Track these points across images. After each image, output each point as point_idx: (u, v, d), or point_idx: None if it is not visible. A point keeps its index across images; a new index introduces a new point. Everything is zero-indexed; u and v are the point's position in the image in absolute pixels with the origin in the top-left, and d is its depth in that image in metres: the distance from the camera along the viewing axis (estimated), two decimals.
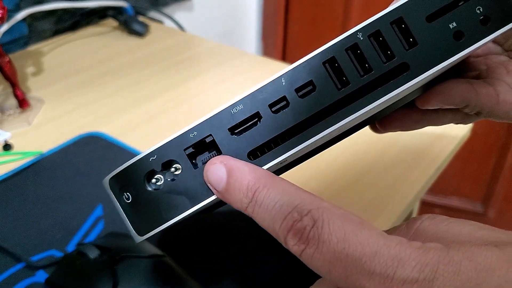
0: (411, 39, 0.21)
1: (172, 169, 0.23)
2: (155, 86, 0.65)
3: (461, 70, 0.30)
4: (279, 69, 0.73)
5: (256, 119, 0.22)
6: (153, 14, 0.90)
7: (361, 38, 0.21)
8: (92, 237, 0.41)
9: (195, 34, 0.83)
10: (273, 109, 0.22)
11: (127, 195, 0.23)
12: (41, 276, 0.38)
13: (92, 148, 0.52)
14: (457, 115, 0.30)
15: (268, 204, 0.20)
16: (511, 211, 1.26)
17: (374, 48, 0.21)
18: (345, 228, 0.18)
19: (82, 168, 0.49)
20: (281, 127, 0.22)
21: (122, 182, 0.23)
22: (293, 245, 0.19)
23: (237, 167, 0.21)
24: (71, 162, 0.50)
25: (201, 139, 0.22)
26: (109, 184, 0.24)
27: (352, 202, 0.46)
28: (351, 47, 0.22)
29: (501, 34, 0.21)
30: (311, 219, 0.19)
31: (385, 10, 0.22)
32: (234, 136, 0.22)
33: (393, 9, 0.21)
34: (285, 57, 1.29)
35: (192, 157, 0.23)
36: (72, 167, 0.49)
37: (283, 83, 0.22)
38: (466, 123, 0.31)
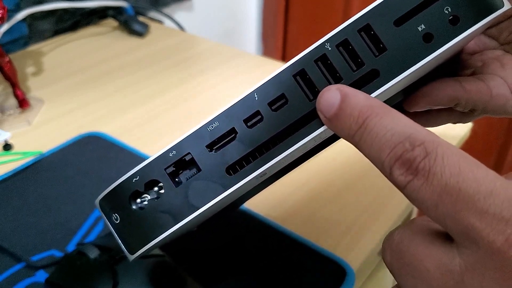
0: (380, 45, 0.21)
1: (156, 188, 0.23)
2: (155, 86, 0.65)
3: (456, 69, 0.30)
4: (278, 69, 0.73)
5: (233, 134, 0.22)
6: (153, 14, 0.90)
7: (329, 48, 0.22)
8: (92, 237, 0.41)
9: (195, 34, 0.83)
10: (248, 124, 0.22)
11: (116, 216, 0.24)
12: (41, 276, 0.38)
13: (92, 148, 0.52)
14: (452, 114, 0.30)
15: (379, 131, 0.19)
16: None
17: (343, 57, 0.22)
18: (460, 163, 0.17)
19: (82, 168, 0.49)
20: (257, 141, 0.22)
21: (110, 204, 0.24)
22: (398, 175, 0.18)
23: (352, 93, 0.20)
24: (71, 162, 0.50)
25: (180, 158, 0.23)
26: (100, 205, 0.24)
27: (352, 202, 0.46)
28: (320, 58, 0.22)
29: (472, 33, 0.21)
30: (424, 150, 0.18)
31: (352, 18, 0.22)
32: (212, 152, 0.23)
33: (359, 17, 0.21)
34: (285, 57, 1.29)
35: (173, 175, 0.23)
36: (72, 167, 0.49)
37: (256, 98, 0.22)
38: (464, 122, 0.31)
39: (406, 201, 0.46)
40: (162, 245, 0.25)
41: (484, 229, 0.16)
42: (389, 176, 0.19)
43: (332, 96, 0.20)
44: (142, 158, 0.50)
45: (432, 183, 0.17)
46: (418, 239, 0.19)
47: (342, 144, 0.52)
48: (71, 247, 0.40)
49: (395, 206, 0.45)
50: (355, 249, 0.41)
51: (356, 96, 0.20)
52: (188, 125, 0.57)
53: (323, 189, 0.47)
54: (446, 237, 0.18)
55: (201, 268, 0.38)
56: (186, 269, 0.37)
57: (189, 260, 0.39)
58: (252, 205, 0.45)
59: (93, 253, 0.34)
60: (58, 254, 0.40)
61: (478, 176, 0.17)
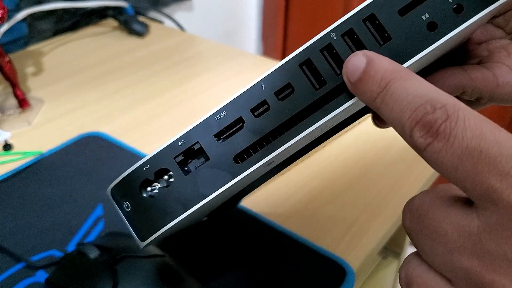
0: (385, 34, 0.22)
1: (166, 177, 0.24)
2: (155, 86, 0.65)
3: (462, 59, 0.30)
4: None
5: (240, 124, 0.23)
6: (153, 14, 0.90)
7: (335, 38, 0.22)
8: (92, 237, 0.41)
9: (195, 34, 0.83)
10: (255, 113, 0.23)
11: (127, 204, 0.24)
12: (41, 276, 0.38)
13: (92, 148, 0.52)
14: None
15: (400, 94, 0.19)
16: None
17: (348, 47, 0.22)
18: (482, 126, 0.17)
19: (82, 168, 0.49)
20: (264, 130, 0.23)
21: (121, 192, 0.24)
22: (418, 137, 0.18)
23: (377, 58, 0.20)
24: (71, 162, 0.50)
25: (189, 147, 0.23)
26: (111, 194, 0.25)
27: (352, 201, 0.46)
28: (326, 47, 0.22)
29: (476, 21, 0.21)
30: (445, 113, 0.18)
31: (357, 7, 0.22)
32: (220, 141, 0.23)
33: (364, 7, 0.22)
34: (285, 57, 1.29)
35: (182, 164, 0.24)
36: (72, 167, 0.49)
37: (263, 88, 0.23)
38: None
39: (406, 201, 0.46)
40: (172, 233, 0.26)
41: (505, 190, 0.16)
42: (409, 139, 0.19)
43: (358, 60, 0.21)
44: (142, 158, 0.50)
45: (453, 145, 0.17)
46: (437, 203, 0.19)
47: (342, 145, 0.53)
48: (71, 247, 0.40)
49: (395, 206, 0.45)
50: (355, 249, 0.41)
51: (381, 60, 0.20)
52: (188, 124, 0.57)
53: (323, 189, 0.47)
54: (465, 202, 0.18)
55: (201, 268, 0.38)
56: (186, 269, 0.37)
57: (189, 260, 0.39)
58: (252, 205, 0.45)
59: (93, 253, 0.34)
60: (58, 254, 0.40)
61: (500, 138, 0.17)
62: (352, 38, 0.22)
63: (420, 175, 0.49)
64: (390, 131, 0.33)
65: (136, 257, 0.34)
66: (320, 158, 0.51)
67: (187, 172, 0.23)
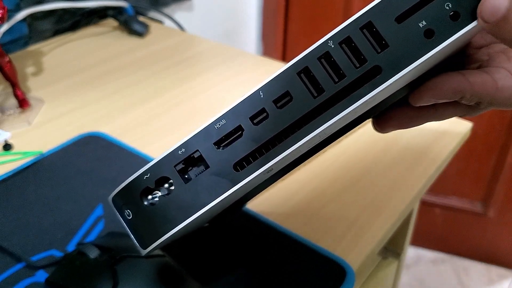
0: (382, 42, 0.22)
1: (166, 185, 0.24)
2: (155, 86, 0.65)
3: (462, 64, 0.30)
4: (278, 69, 0.73)
5: (240, 132, 0.23)
6: (153, 14, 0.90)
7: (332, 46, 0.22)
8: (92, 237, 0.41)
9: (195, 34, 0.83)
10: (254, 121, 0.23)
11: (128, 212, 0.25)
12: (41, 276, 0.38)
13: (92, 148, 0.52)
14: (458, 108, 0.29)
15: None
16: (511, 211, 1.26)
17: (346, 55, 0.22)
18: None
19: (82, 168, 0.49)
20: (263, 138, 0.23)
21: (123, 200, 0.25)
22: None
23: None
24: (71, 162, 0.50)
25: (189, 155, 0.24)
26: (113, 202, 0.25)
27: (352, 201, 0.46)
28: (323, 55, 0.22)
29: (473, 28, 0.21)
30: None
31: (354, 15, 0.22)
32: (220, 149, 0.23)
33: (361, 14, 0.22)
34: (285, 57, 1.29)
35: (183, 172, 0.24)
36: (72, 167, 0.49)
37: (261, 96, 0.23)
38: (471, 115, 0.30)
39: (406, 201, 0.46)
40: (174, 240, 0.26)
41: None
42: None
43: (498, 0, 0.20)
44: (142, 158, 0.50)
45: None
46: None
47: (342, 146, 0.53)
48: (71, 247, 0.40)
49: (395, 206, 0.45)
50: (355, 249, 0.41)
51: None
52: (188, 125, 0.57)
53: (323, 190, 0.47)
54: None
55: (201, 268, 0.38)
56: (186, 269, 0.37)
57: (189, 260, 0.39)
58: (253, 205, 0.45)
59: (93, 253, 0.34)
60: (58, 254, 0.40)
61: None
62: (349, 46, 0.22)
63: (420, 175, 0.49)
64: (389, 133, 0.33)
65: (136, 257, 0.34)
66: (320, 159, 0.51)
67: (187, 180, 0.24)
